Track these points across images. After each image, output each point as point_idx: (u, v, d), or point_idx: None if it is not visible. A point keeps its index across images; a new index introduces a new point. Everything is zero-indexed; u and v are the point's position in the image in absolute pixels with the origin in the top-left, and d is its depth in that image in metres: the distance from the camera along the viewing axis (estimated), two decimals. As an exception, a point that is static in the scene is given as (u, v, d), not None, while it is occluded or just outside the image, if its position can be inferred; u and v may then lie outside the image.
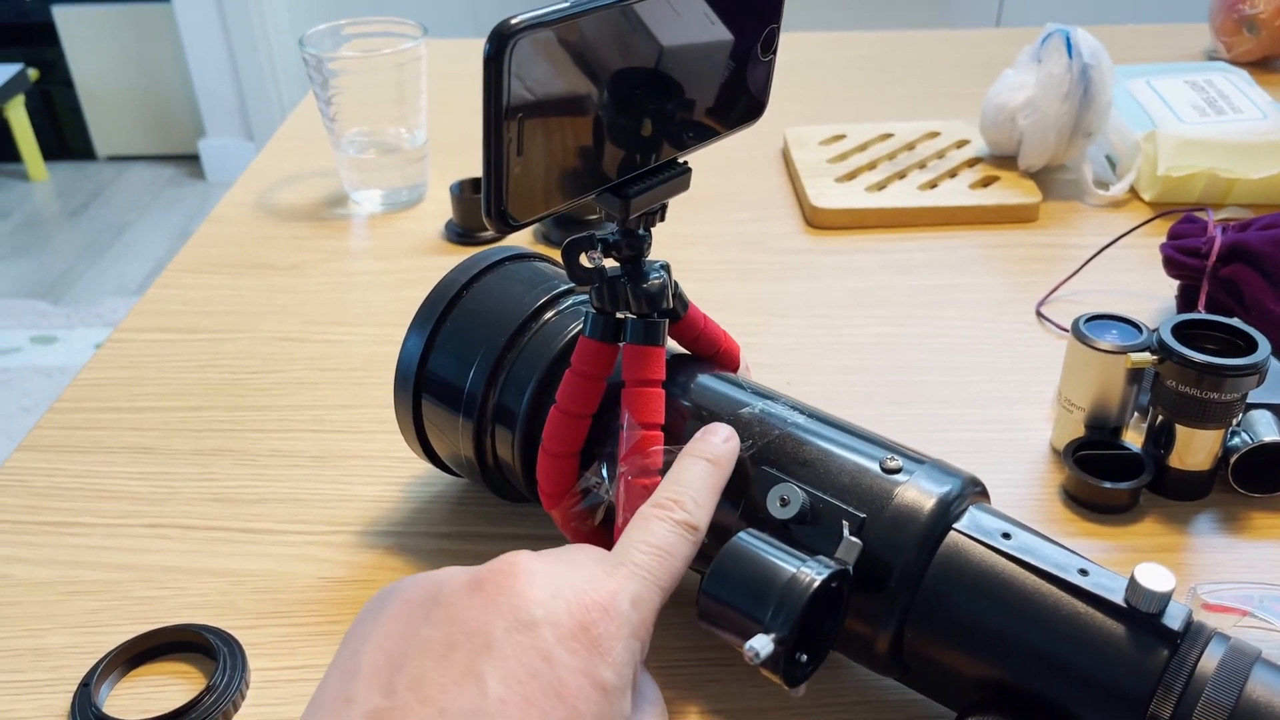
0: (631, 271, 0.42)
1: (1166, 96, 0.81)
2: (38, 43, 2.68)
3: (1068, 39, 0.74)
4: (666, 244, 0.74)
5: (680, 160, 0.41)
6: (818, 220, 0.76)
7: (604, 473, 0.43)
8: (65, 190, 2.74)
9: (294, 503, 0.52)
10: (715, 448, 0.39)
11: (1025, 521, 0.50)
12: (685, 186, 0.41)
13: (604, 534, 0.44)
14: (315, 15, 2.62)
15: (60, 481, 0.54)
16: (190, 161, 2.79)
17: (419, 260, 0.74)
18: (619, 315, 0.42)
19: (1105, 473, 0.51)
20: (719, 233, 0.76)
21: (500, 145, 0.33)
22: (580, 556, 0.34)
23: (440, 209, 0.80)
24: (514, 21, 0.32)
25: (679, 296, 0.44)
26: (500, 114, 0.33)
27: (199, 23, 2.52)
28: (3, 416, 1.87)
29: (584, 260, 0.41)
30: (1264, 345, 0.48)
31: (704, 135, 0.41)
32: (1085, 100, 0.74)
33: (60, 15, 2.64)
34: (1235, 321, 0.49)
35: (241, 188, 0.84)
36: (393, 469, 0.54)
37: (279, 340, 0.65)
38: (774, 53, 0.42)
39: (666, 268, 0.43)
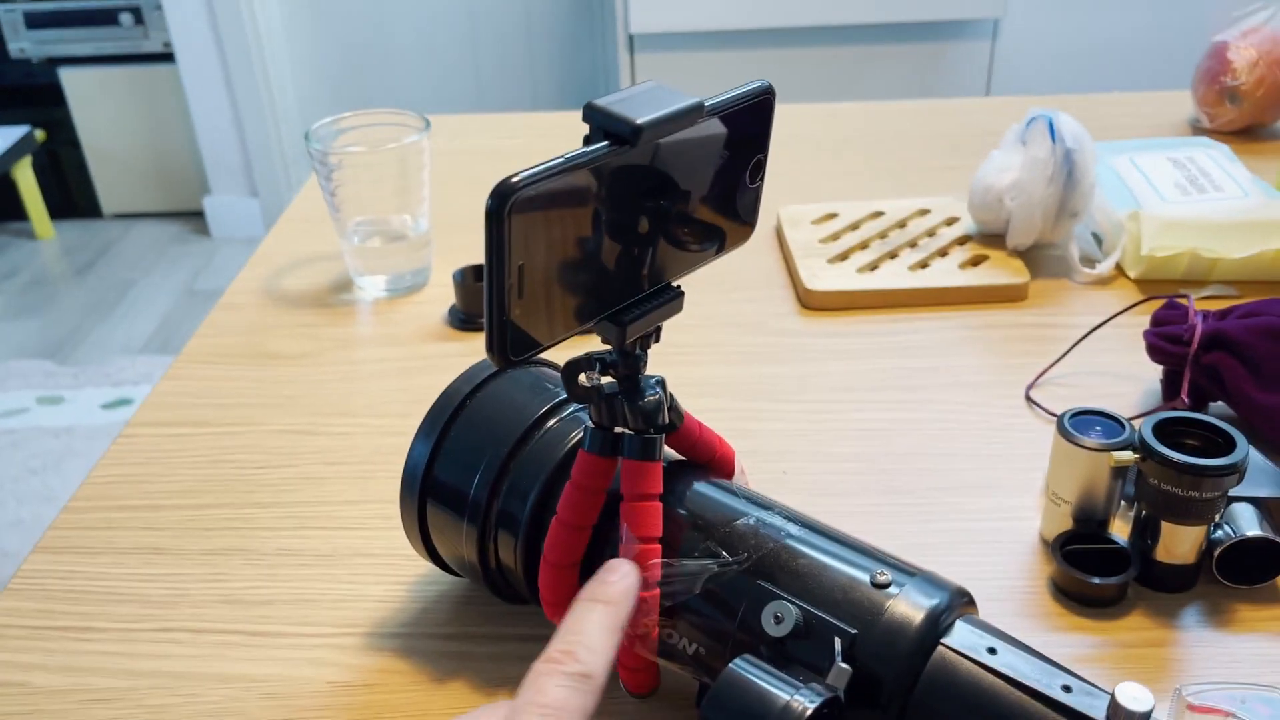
0: (628, 389, 0.43)
1: (1149, 174, 0.83)
2: (45, 104, 2.72)
3: (1051, 125, 0.77)
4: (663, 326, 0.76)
5: (674, 285, 0.43)
6: (811, 302, 0.78)
7: (604, 583, 0.44)
8: (72, 248, 2.77)
9: (303, 603, 0.54)
10: (610, 589, 0.39)
11: (1016, 615, 0.52)
12: (678, 309, 0.43)
13: (605, 640, 0.45)
14: (319, 75, 2.67)
15: (74, 584, 0.55)
16: (195, 218, 2.82)
17: (423, 347, 0.75)
18: (616, 430, 0.44)
19: (1093, 565, 0.52)
20: (715, 314, 0.78)
21: (503, 291, 0.35)
22: None
23: (443, 293, 0.82)
24: (514, 179, 0.34)
25: (674, 409, 0.46)
26: (503, 265, 0.35)
27: (204, 82, 2.57)
28: (10, 479, 1.88)
29: (582, 380, 0.43)
30: (1242, 444, 0.49)
31: (696, 260, 0.43)
32: (1070, 183, 0.77)
33: (66, 77, 2.69)
34: (1214, 419, 0.51)
35: (249, 273, 0.86)
36: (399, 567, 0.55)
37: (286, 433, 0.67)
38: (761, 180, 0.44)
39: (662, 383, 0.44)
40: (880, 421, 0.66)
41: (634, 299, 0.41)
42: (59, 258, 2.74)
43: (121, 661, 0.51)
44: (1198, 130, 1.03)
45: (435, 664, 0.50)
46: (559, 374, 0.49)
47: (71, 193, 2.87)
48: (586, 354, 0.43)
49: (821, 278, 0.79)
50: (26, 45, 2.66)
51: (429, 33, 2.59)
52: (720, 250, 0.44)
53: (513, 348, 0.37)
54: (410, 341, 0.76)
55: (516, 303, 0.36)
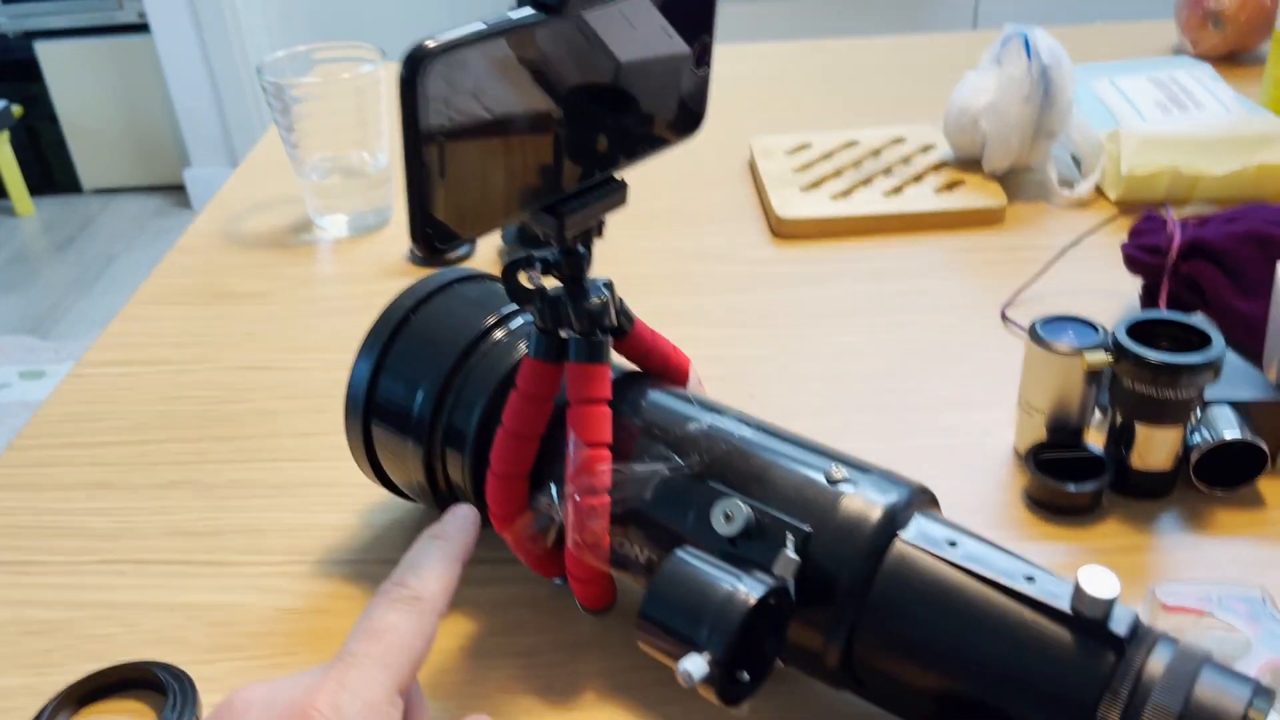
0: (573, 290, 0.41)
1: (1130, 94, 0.81)
2: (21, 79, 2.68)
3: (1026, 41, 0.74)
4: (632, 258, 0.74)
5: (616, 176, 0.41)
6: (783, 230, 0.76)
7: (554, 494, 0.42)
8: (52, 224, 2.74)
9: (252, 533, 0.52)
10: (445, 525, 0.39)
11: (989, 526, 0.50)
12: (622, 202, 0.41)
13: (559, 556, 0.44)
14: (296, 41, 2.63)
15: (18, 520, 0.53)
16: (176, 192, 2.79)
17: (385, 284, 0.73)
18: (562, 335, 0.42)
19: (1067, 475, 0.50)
20: (685, 246, 0.76)
21: (421, 170, 0.33)
22: (306, 674, 0.34)
23: (406, 231, 0.79)
24: (429, 44, 0.32)
25: (624, 313, 0.44)
26: (419, 139, 0.33)
27: (179, 53, 2.53)
28: (-8, 453, 1.86)
29: (523, 279, 0.41)
30: (1218, 340, 0.47)
31: (640, 151, 0.41)
32: (1046, 101, 0.74)
33: (43, 51, 2.65)
34: (1190, 318, 0.49)
35: (208, 216, 0.84)
36: (351, 495, 0.54)
37: (242, 370, 0.65)
38: (708, 65, 0.42)
39: (609, 285, 0.42)
40: (851, 345, 0.64)
41: (574, 190, 0.39)
42: (39, 234, 2.71)
43: (63, 594, 0.49)
44: (1181, 55, 1.00)
45: (387, 589, 0.48)
46: (508, 286, 0.47)
47: (50, 169, 2.83)
48: (528, 253, 0.41)
49: (793, 205, 0.77)
50: (2, 20, 2.62)
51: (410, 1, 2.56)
52: (667, 141, 0.42)
53: (439, 235, 0.35)
54: (371, 279, 0.74)
55: (439, 184, 0.34)
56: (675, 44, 0.40)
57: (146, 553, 0.51)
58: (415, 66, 0.32)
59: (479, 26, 0.33)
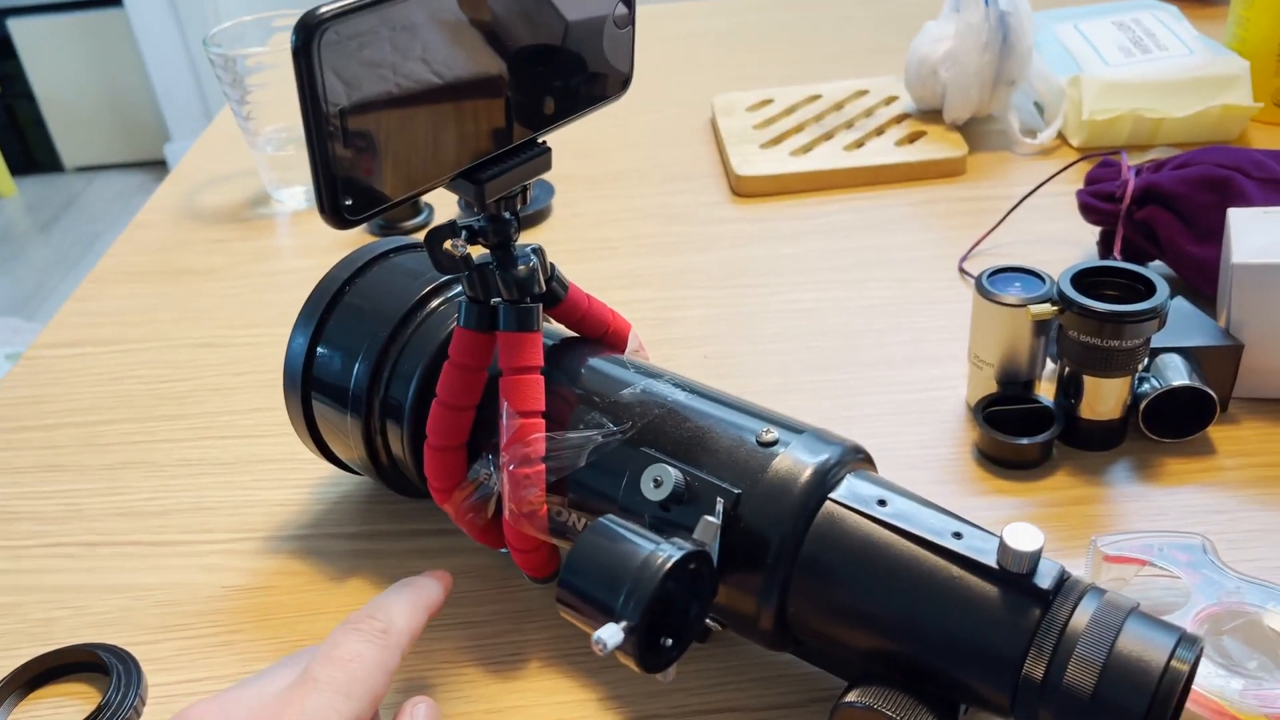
0: (500, 258, 0.41)
1: (1092, 38, 0.79)
2: (-4, 57, 2.66)
3: (983, -13, 0.73)
4: (592, 220, 0.74)
5: (540, 140, 0.40)
6: (743, 188, 0.75)
7: (491, 464, 0.42)
8: (35, 204, 2.72)
9: (199, 512, 0.52)
10: (418, 577, 0.40)
11: (941, 482, 0.50)
12: (546, 167, 0.40)
13: (498, 526, 0.43)
14: (269, 8, 2.60)
15: (-34, 505, 0.53)
16: (158, 167, 2.77)
17: (343, 255, 0.72)
18: (493, 303, 0.41)
19: (1018, 428, 0.50)
20: (644, 206, 0.75)
21: (324, 140, 0.32)
22: (266, 686, 0.34)
23: (364, 202, 0.78)
24: (321, 10, 0.31)
25: (557, 279, 0.43)
26: (318, 108, 0.32)
27: (154, 26, 2.50)
28: (-20, 436, 1.86)
29: (448, 248, 0.40)
30: (1162, 288, 0.47)
31: (562, 113, 0.40)
32: (1005, 48, 0.73)
33: (15, 28, 2.61)
34: (1135, 266, 0.48)
35: (165, 192, 0.83)
36: (301, 471, 0.53)
37: (194, 347, 0.64)
38: (631, 24, 0.41)
39: (539, 251, 0.42)
40: (807, 302, 0.63)
41: (493, 154, 0.38)
42: (22, 214, 2.69)
43: (8, 578, 0.49)
44: (1151, -2, 0.99)
45: (334, 563, 0.48)
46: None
47: (31, 148, 2.81)
48: (451, 221, 0.40)
49: (753, 163, 0.76)
50: (-28, -3, 2.58)
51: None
52: (592, 103, 0.41)
53: (349, 206, 0.34)
54: (329, 251, 0.73)
55: (344, 153, 0.33)
56: (590, 4, 0.39)
57: (94, 535, 0.51)
58: (307, 35, 0.31)
59: (376, -10, 0.32)
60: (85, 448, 0.57)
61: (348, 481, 0.53)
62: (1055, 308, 0.48)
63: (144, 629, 0.46)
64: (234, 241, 0.75)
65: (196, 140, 0.91)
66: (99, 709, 0.41)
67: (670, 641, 0.33)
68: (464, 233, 0.40)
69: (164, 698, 0.43)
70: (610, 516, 0.35)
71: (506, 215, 0.40)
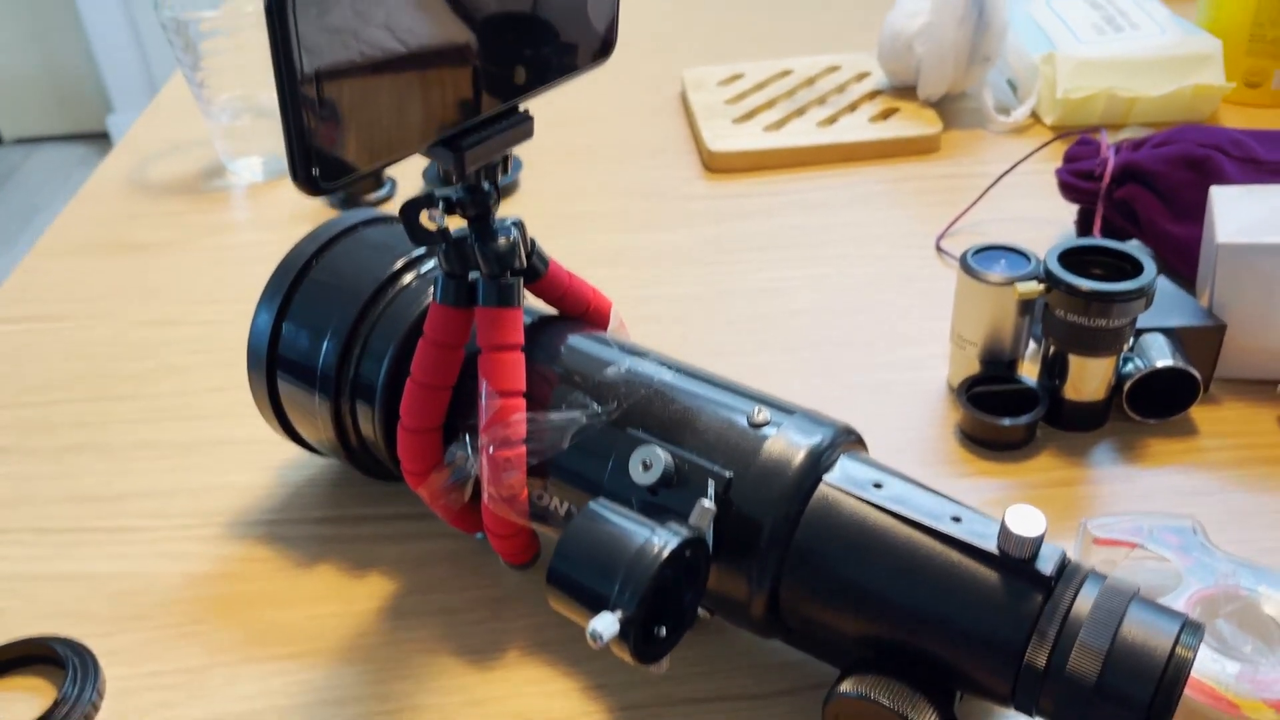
0: (479, 231, 0.39)
1: (1065, 16, 0.79)
2: (-71, 24, 2.55)
3: (960, -39, 0.72)
4: (563, 195, 0.72)
5: (521, 108, 0.38)
6: (715, 164, 0.74)
7: (469, 446, 0.40)
8: (-29, 177, 2.63)
9: (158, 496, 0.49)
10: None
11: (923, 464, 0.49)
12: (528, 135, 0.38)
13: (477, 510, 0.42)
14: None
15: (-94, 490, 0.51)
16: (100, 140, 2.69)
17: (302, 229, 0.69)
18: (470, 278, 0.39)
19: (1001, 408, 0.49)
20: (615, 182, 0.73)
21: (297, 104, 0.30)
22: None
23: (324, 174, 0.76)
24: (296, -36, 0.29)
25: (537, 254, 0.42)
26: (293, 70, 0.30)
27: (96, -7, 2.42)
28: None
29: (424, 220, 0.38)
30: (1150, 268, 0.46)
31: (543, 79, 0.38)
32: (981, 24, 0.72)
33: (-52, -6, 2.52)
34: (1122, 245, 0.48)
35: (113, 163, 0.80)
36: (265, 453, 0.51)
37: (149, 324, 0.62)
38: (617, -13, 0.39)
39: (519, 225, 0.40)
40: (783, 280, 0.62)
41: (473, 121, 0.36)
42: (-42, 187, 2.60)
43: (-45, 567, 0.46)
44: (1118, -23, 0.98)
45: (301, 549, 0.46)
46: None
47: (-34, 118, 2.71)
48: (428, 191, 0.38)
49: (725, 139, 0.74)
50: (-99, -40, 2.48)
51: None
52: (573, 69, 0.39)
53: (323, 173, 0.32)
54: (288, 224, 0.71)
55: (318, 118, 0.31)
56: (577, -37, 0.37)
57: (46, 520, 0.48)
58: (281, -10, 0.29)
59: (353, -57, 0.30)
60: (35, 430, 0.54)
61: (315, 464, 0.51)
62: (1042, 286, 0.47)
63: (100, 620, 0.43)
64: (187, 214, 0.72)
65: (144, 110, 0.88)
66: (55, 704, 0.39)
67: (665, 631, 0.32)
68: (441, 203, 0.38)
69: (123, 692, 0.41)
70: (602, 500, 0.34)
71: (486, 186, 0.39)
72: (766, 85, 0.81)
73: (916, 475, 0.38)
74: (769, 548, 0.35)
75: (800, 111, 0.77)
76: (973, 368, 0.51)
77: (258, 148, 0.76)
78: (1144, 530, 0.41)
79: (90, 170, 2.62)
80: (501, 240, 0.39)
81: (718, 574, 0.36)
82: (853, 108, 0.77)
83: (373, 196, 0.72)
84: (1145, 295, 0.46)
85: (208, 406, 0.55)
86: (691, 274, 0.63)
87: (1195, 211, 0.55)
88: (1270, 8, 0.74)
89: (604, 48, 0.40)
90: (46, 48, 2.59)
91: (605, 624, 0.29)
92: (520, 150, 0.76)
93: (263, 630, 0.43)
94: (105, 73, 2.53)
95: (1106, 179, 0.58)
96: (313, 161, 0.32)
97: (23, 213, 2.46)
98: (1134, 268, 0.47)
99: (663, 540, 0.31)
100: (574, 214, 0.70)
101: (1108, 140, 0.60)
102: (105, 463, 0.51)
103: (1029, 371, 0.51)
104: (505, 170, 0.39)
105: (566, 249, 0.66)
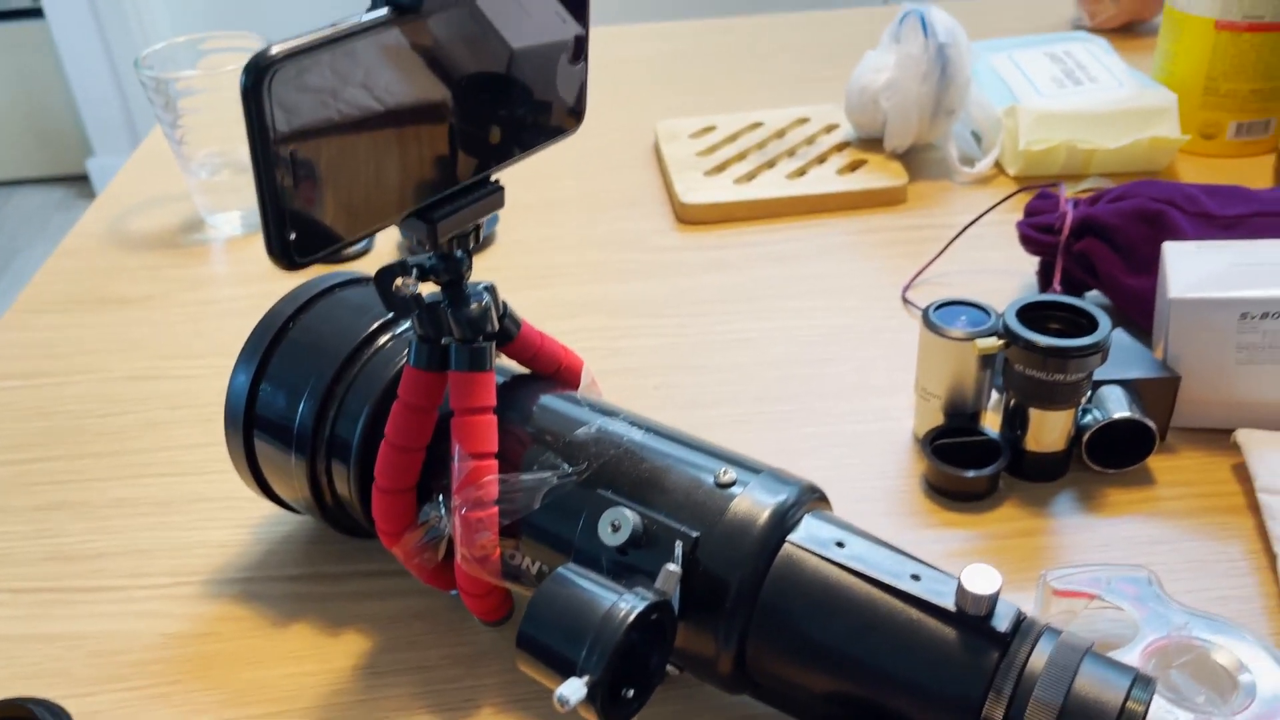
0: (452, 296, 0.40)
1: (1027, 69, 0.81)
2: (-92, 68, 2.56)
3: (923, 19, 0.74)
4: (536, 248, 0.73)
5: (493, 178, 0.39)
6: (687, 216, 0.75)
7: (442, 506, 0.41)
8: (-51, 220, 2.63)
9: (136, 555, 0.50)
10: None
11: (890, 515, 0.50)
12: (499, 205, 0.40)
13: (450, 569, 0.42)
14: (196, 24, 2.54)
15: (-117, 551, 0.51)
16: (80, 182, 2.69)
17: (281, 284, 0.71)
18: (444, 342, 0.40)
19: (965, 460, 0.50)
20: (590, 234, 0.75)
21: (273, 180, 0.32)
22: None
23: (302, 227, 0.77)
24: (273, 51, 0.30)
25: (509, 316, 0.43)
26: (268, 149, 0.31)
27: (76, 37, 2.43)
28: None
29: (398, 286, 0.39)
30: (1104, 324, 0.48)
31: (515, 150, 0.40)
32: (944, 79, 0.74)
33: (-71, 38, 2.52)
34: (1078, 301, 0.49)
35: (93, 216, 0.80)
36: (242, 510, 0.52)
37: (128, 380, 0.62)
38: (584, 60, 0.41)
39: (491, 289, 0.41)
40: (754, 331, 0.64)
41: (445, 193, 0.38)
42: (-64, 230, 2.59)
43: (-69, 629, 0.47)
44: (1079, 29, 1.01)
45: (278, 607, 0.47)
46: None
47: (-56, 161, 2.71)
48: (401, 259, 0.39)
49: (697, 191, 0.76)
50: (-118, 5, 2.49)
51: (314, -25, 2.48)
52: (544, 140, 0.41)
53: (299, 247, 0.33)
54: (266, 279, 0.72)
55: (293, 194, 0.32)
56: (546, 39, 0.39)
57: (24, 580, 0.49)
58: (258, 75, 0.30)
59: (328, 31, 0.31)
60: (12, 488, 0.54)
61: (289, 521, 0.51)
62: (1001, 341, 0.49)
63: (77, 680, 0.44)
64: (167, 268, 0.73)
65: (125, 162, 0.89)
66: (30, 769, 0.39)
67: (632, 693, 0.33)
68: (414, 270, 0.39)
69: (99, 754, 0.41)
70: (570, 566, 0.35)
71: (459, 253, 0.40)
72: (738, 137, 0.83)
73: (884, 526, 0.39)
74: (735, 606, 0.36)
75: (771, 163, 0.79)
76: (937, 419, 0.52)
77: (236, 202, 0.77)
78: (1102, 581, 0.42)
79: (70, 213, 2.63)
80: (474, 306, 0.40)
81: (686, 632, 0.37)
82: (821, 160, 0.79)
83: (350, 252, 0.73)
84: (1100, 350, 0.47)
85: (186, 463, 0.55)
86: (664, 325, 0.65)
87: (1151, 265, 0.56)
88: (1223, 62, 0.76)
89: (574, 117, 0.42)
90: (26, 89, 2.60)
91: (572, 689, 0.30)
92: (496, 202, 0.78)
93: (240, 689, 0.43)
94: (85, 115, 2.54)
95: (1065, 233, 0.60)
96: (288, 236, 0.33)
97: (2, 255, 2.45)
98: (1090, 323, 0.48)
99: (629, 605, 0.32)
100: (549, 266, 0.71)
101: (1066, 194, 0.62)
102: (83, 521, 0.52)
103: (992, 422, 0.53)
104: (478, 239, 0.40)
105: (542, 301, 0.68)
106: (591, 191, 0.80)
